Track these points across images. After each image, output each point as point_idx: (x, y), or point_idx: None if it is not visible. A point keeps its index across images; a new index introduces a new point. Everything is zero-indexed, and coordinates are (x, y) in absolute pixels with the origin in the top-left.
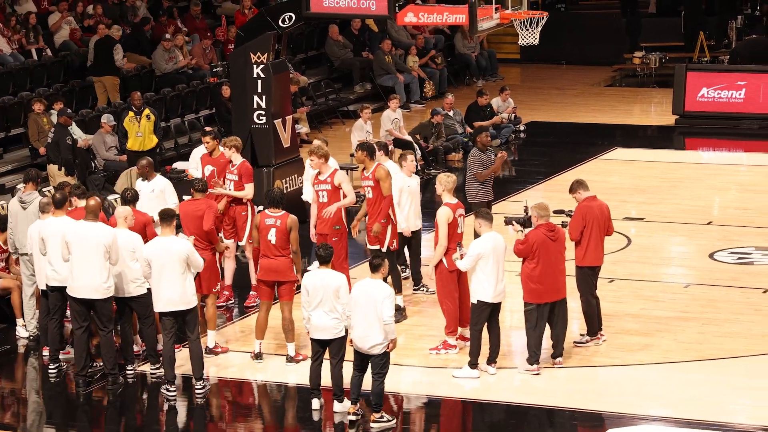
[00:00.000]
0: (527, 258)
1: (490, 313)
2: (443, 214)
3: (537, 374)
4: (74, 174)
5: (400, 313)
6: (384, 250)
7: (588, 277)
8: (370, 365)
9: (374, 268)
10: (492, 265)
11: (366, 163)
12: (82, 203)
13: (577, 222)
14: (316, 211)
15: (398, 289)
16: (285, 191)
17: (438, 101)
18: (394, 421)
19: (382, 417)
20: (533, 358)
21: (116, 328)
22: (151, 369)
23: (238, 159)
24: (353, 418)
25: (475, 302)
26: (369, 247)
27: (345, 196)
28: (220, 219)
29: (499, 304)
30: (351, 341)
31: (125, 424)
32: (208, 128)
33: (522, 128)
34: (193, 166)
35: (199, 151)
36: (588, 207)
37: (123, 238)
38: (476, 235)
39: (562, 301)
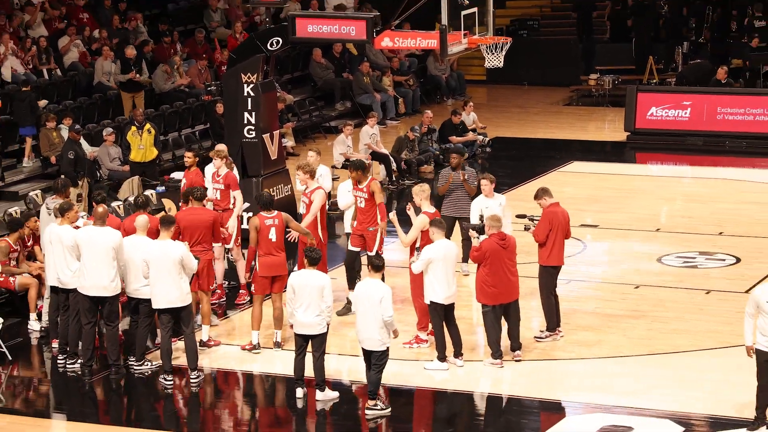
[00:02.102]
0: (481, 264)
1: (444, 312)
2: (420, 221)
3: (501, 367)
4: (77, 185)
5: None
6: (372, 253)
7: (550, 276)
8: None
9: (376, 268)
10: (442, 270)
11: (361, 178)
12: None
13: (544, 225)
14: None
15: (351, 287)
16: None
17: (413, 117)
18: (389, 410)
19: (376, 405)
20: (496, 353)
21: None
22: (134, 364)
23: (224, 170)
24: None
25: (429, 303)
26: (350, 248)
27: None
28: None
29: (452, 304)
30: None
31: (127, 410)
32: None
33: (488, 142)
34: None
35: (210, 168)
36: (553, 212)
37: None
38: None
39: (515, 302)
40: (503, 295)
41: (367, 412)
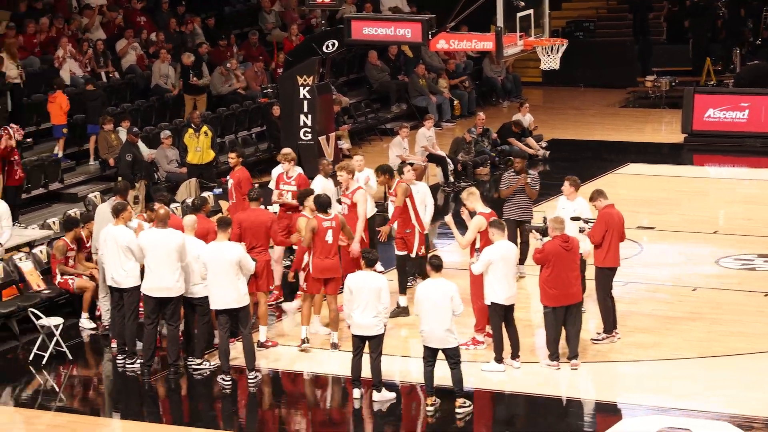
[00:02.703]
0: (543, 265)
1: (504, 314)
2: (476, 222)
3: (558, 369)
4: (134, 188)
5: (406, 311)
6: (413, 255)
7: (606, 277)
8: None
9: (436, 268)
10: (502, 270)
11: (388, 182)
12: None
13: (600, 227)
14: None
15: (403, 291)
16: None
17: (469, 120)
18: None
19: (465, 403)
20: (553, 355)
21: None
22: (194, 363)
23: (294, 171)
24: (431, 409)
25: (489, 304)
26: (397, 252)
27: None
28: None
29: (512, 305)
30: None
31: (185, 409)
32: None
33: (544, 144)
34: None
35: (276, 170)
36: (609, 213)
37: (189, 244)
38: None
39: (577, 305)
40: (564, 298)
41: (457, 411)
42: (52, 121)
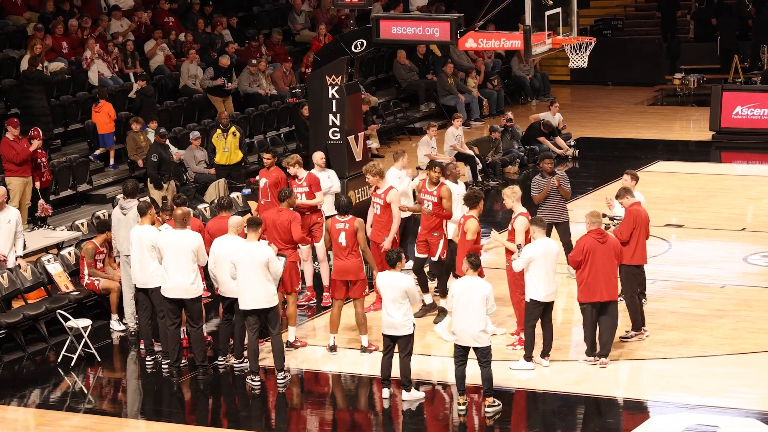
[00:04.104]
0: (581, 263)
1: (542, 311)
2: (522, 224)
3: (594, 365)
4: (161, 188)
5: (433, 308)
6: (435, 259)
7: (634, 275)
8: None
9: (474, 267)
10: (542, 268)
11: (439, 176)
12: (179, 211)
13: (629, 224)
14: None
15: (425, 290)
16: (358, 200)
17: (497, 119)
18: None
19: (494, 402)
20: (590, 351)
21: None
22: (236, 363)
23: (303, 173)
24: (462, 408)
25: (528, 301)
26: (417, 255)
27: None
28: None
29: (551, 303)
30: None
31: (214, 410)
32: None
33: (572, 143)
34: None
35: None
36: (637, 211)
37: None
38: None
39: (613, 304)
40: (600, 293)
41: (486, 410)
42: (100, 130)
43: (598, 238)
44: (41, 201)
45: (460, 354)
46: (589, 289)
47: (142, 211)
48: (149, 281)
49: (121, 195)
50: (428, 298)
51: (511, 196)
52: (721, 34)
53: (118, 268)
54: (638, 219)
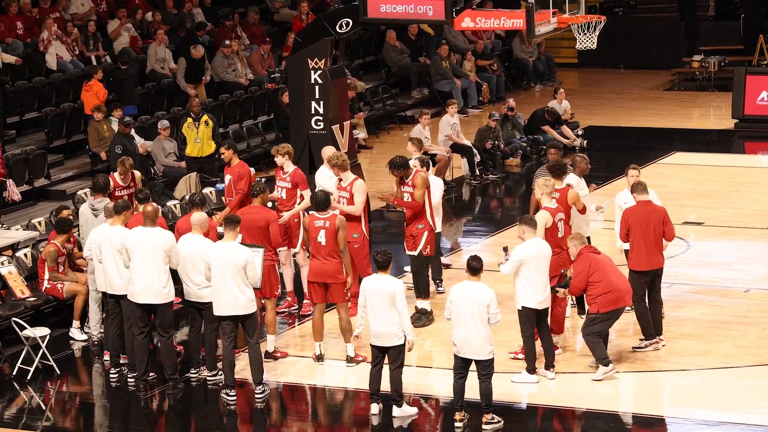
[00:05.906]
0: (590, 278)
1: (537, 319)
2: (543, 218)
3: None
4: None
5: (426, 316)
6: (415, 253)
7: (636, 281)
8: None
9: (474, 272)
10: (535, 271)
11: (404, 174)
12: (141, 208)
13: (621, 225)
14: None
15: (425, 294)
16: None
17: (497, 105)
18: (501, 423)
19: (493, 419)
20: (605, 360)
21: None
22: (208, 375)
23: (290, 167)
24: (460, 425)
25: (520, 309)
26: (408, 252)
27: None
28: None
29: (546, 309)
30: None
31: (185, 428)
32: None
33: (580, 132)
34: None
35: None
36: (631, 211)
37: (197, 244)
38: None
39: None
40: (620, 301)
41: (484, 427)
42: (87, 111)
43: (593, 251)
44: (10, 181)
45: (460, 366)
46: (608, 300)
47: (118, 210)
48: (122, 287)
49: (88, 191)
50: (422, 304)
51: (543, 188)
52: (745, 11)
53: (85, 271)
54: (631, 219)
